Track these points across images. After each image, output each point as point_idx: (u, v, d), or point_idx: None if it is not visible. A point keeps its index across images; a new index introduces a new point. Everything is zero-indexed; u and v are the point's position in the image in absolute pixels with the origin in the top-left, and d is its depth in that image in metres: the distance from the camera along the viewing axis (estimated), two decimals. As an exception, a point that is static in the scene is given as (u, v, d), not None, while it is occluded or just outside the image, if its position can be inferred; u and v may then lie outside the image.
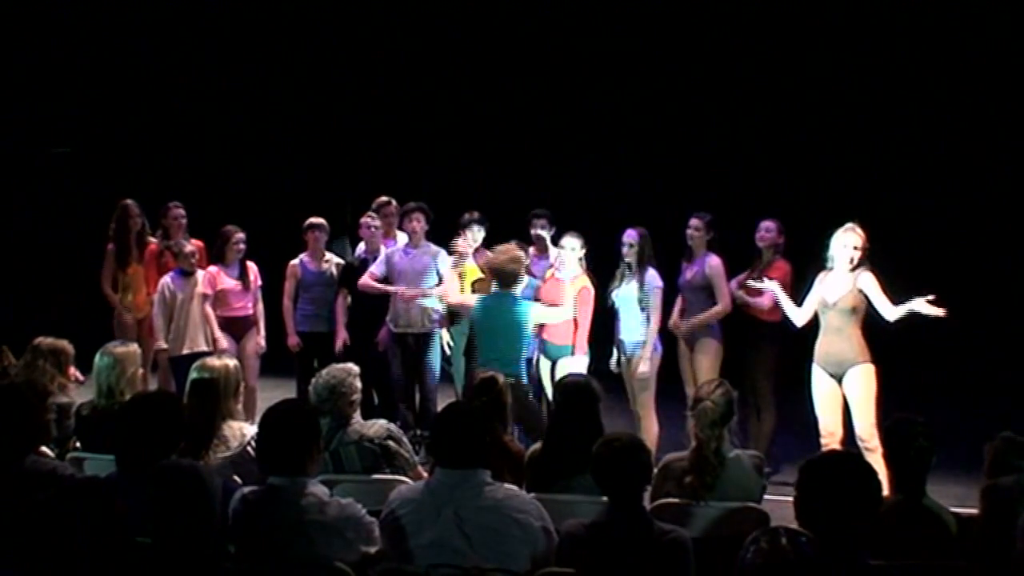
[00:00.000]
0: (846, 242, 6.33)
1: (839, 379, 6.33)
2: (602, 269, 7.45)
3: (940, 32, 9.73)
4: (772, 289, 6.80)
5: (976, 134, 9.83)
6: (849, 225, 6.37)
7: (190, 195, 8.90)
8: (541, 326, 7.09)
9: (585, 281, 7.03)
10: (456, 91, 11.04)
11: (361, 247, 8.30)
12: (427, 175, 10.53)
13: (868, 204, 8.59)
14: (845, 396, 6.35)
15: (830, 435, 6.32)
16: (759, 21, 10.14)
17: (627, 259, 7.09)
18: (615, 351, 7.33)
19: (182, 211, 8.34)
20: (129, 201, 8.51)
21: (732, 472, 4.37)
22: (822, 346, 6.42)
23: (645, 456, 3.77)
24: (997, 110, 9.74)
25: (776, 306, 7.01)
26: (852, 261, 6.29)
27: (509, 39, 10.81)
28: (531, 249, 7.64)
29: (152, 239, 8.42)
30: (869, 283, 6.25)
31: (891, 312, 6.20)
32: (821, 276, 6.47)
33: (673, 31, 10.46)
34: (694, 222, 7.25)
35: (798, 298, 6.76)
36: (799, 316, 6.63)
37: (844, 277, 6.33)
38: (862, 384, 6.25)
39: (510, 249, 6.65)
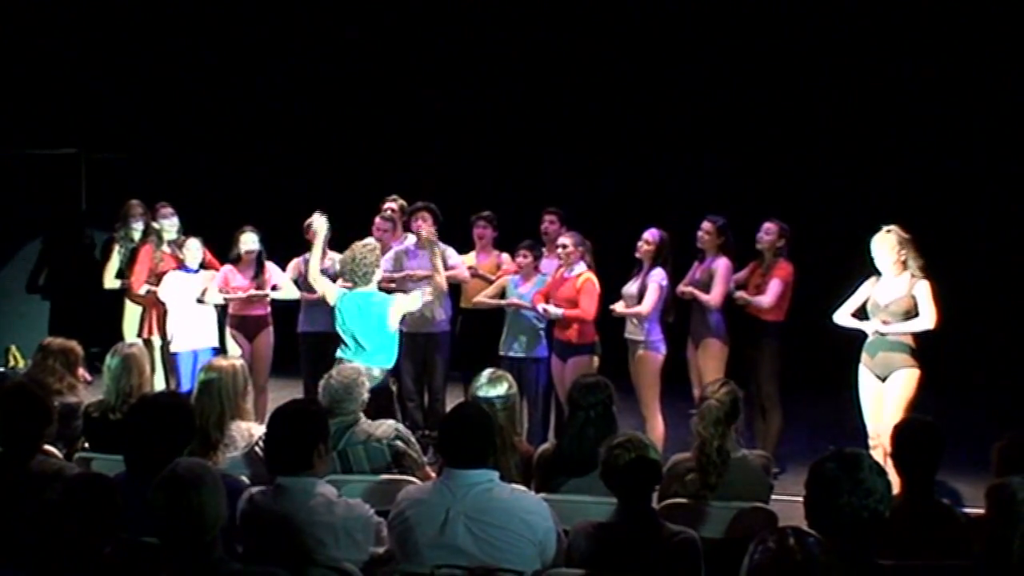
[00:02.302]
0: (881, 246, 6.27)
1: (884, 380, 6.25)
2: (612, 267, 7.45)
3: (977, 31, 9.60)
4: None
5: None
6: (887, 228, 6.30)
7: (200, 196, 8.91)
8: (552, 322, 7.11)
9: (589, 275, 7.08)
10: (471, 88, 11.00)
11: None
12: (438, 174, 10.49)
13: (871, 208, 8.59)
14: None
15: (877, 437, 6.14)
16: (782, 21, 10.06)
17: (639, 255, 7.08)
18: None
19: (169, 209, 8.37)
20: (134, 201, 8.55)
21: (739, 472, 4.37)
22: (871, 348, 6.34)
23: (654, 457, 3.77)
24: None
25: (778, 306, 7.00)
26: (902, 264, 6.23)
27: (524, 35, 10.74)
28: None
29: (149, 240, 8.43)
30: (922, 293, 6.18)
31: (921, 322, 6.17)
32: (872, 280, 6.39)
33: (691, 28, 10.41)
34: (705, 225, 7.19)
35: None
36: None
37: (900, 281, 6.26)
38: (903, 387, 6.17)
39: (355, 247, 6.58)
